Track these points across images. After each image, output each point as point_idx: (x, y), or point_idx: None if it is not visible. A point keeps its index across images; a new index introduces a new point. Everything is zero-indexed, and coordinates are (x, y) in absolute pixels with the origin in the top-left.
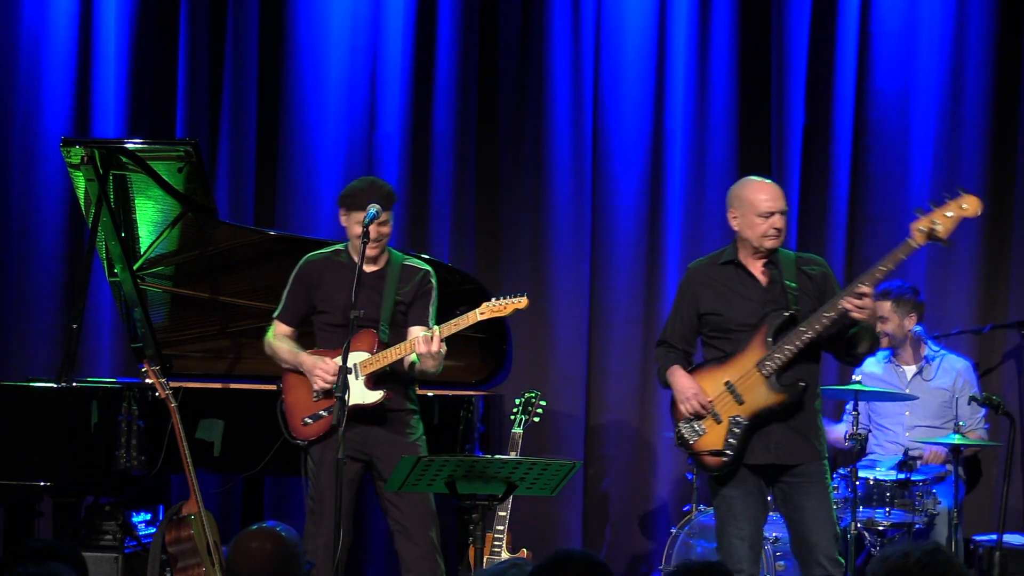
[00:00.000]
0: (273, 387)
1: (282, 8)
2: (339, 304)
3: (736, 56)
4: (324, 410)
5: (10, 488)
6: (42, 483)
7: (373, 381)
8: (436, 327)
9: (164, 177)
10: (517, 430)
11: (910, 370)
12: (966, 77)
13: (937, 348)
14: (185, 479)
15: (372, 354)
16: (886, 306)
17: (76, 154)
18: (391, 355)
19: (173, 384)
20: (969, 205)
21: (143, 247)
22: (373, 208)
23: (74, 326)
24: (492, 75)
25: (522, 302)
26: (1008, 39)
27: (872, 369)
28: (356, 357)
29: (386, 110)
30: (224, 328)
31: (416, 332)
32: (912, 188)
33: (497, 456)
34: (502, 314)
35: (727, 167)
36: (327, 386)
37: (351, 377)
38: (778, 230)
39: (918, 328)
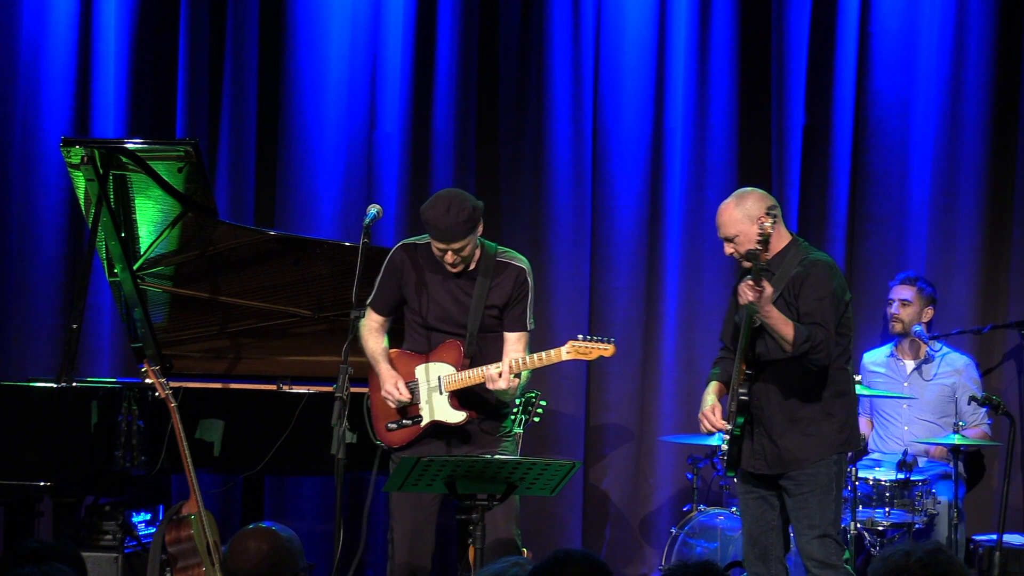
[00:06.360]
0: (272, 387)
1: (282, 8)
2: (425, 307)
3: (736, 56)
4: (408, 419)
5: (10, 488)
6: (42, 483)
7: (459, 399)
8: (515, 357)
9: (164, 177)
10: (517, 430)
11: (910, 365)
12: (966, 77)
13: (939, 347)
14: (185, 479)
15: (457, 370)
16: (911, 290)
17: (76, 154)
18: (474, 377)
19: (173, 384)
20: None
21: (143, 247)
22: (373, 209)
23: (74, 326)
24: (492, 75)
25: (608, 349)
26: (1008, 39)
27: (875, 358)
28: (441, 370)
29: (386, 110)
30: (224, 328)
31: (508, 339)
32: (912, 188)
33: (497, 456)
34: (587, 358)
35: (727, 167)
36: (391, 406)
37: (435, 392)
38: None
39: (918, 328)
